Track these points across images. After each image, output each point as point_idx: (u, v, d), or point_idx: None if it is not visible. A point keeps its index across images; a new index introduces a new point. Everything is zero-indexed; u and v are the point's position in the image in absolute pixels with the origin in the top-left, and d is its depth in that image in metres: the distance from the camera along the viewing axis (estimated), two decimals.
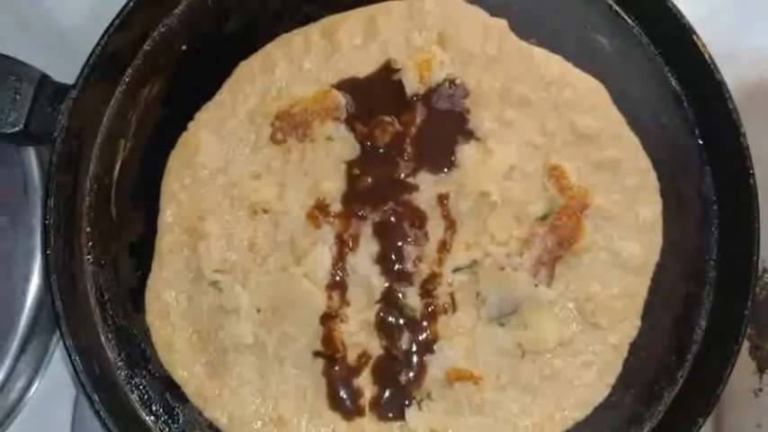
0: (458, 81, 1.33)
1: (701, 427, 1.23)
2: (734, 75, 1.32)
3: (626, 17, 1.36)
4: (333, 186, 1.30)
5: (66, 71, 1.30)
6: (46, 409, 1.40)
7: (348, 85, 1.33)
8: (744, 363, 1.39)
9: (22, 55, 1.29)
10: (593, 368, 1.28)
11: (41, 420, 1.40)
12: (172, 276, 1.29)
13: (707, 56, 1.30)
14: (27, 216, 1.36)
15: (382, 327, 1.28)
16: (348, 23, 1.34)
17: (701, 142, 1.34)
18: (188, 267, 1.29)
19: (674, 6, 1.31)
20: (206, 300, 1.28)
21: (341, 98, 1.32)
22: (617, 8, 1.37)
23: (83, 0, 1.47)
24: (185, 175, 1.31)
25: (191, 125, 1.33)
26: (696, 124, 1.34)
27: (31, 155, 1.40)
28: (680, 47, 1.32)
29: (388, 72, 1.33)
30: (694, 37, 1.30)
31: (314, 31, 1.35)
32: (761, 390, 1.38)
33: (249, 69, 1.34)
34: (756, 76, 1.44)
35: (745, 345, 1.40)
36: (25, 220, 1.36)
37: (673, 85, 1.35)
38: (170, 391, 1.29)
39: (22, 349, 1.35)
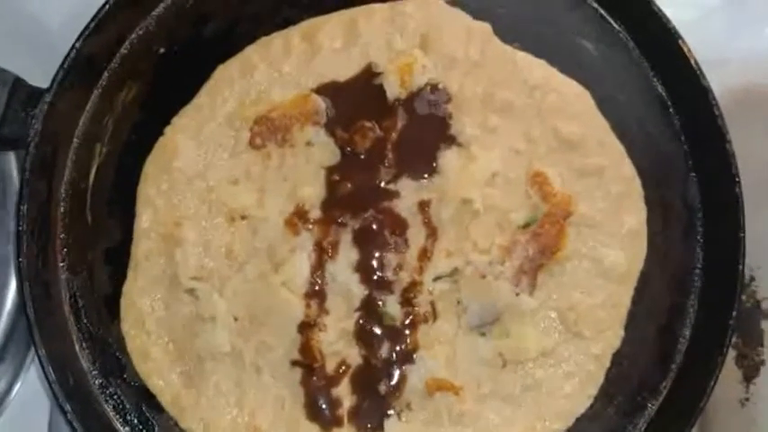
0: (440, 86, 1.31)
1: None
2: (720, 81, 1.30)
3: (612, 21, 1.35)
4: (312, 192, 1.28)
5: (44, 75, 1.27)
6: (25, 414, 1.38)
7: (328, 90, 1.31)
8: (730, 372, 1.37)
9: None
10: (575, 378, 1.26)
11: (20, 425, 1.38)
12: (148, 284, 1.27)
13: (693, 61, 1.28)
14: (4, 223, 1.33)
15: (361, 336, 1.26)
16: (329, 26, 1.32)
17: (686, 149, 1.32)
18: (164, 274, 1.27)
19: (661, 11, 1.29)
20: (182, 308, 1.26)
21: (321, 103, 1.30)
22: (603, 12, 1.35)
23: (61, 2, 1.44)
24: (162, 180, 1.29)
25: (168, 129, 1.31)
26: (682, 131, 1.32)
27: (10, 160, 1.38)
28: (666, 52, 1.30)
29: (368, 76, 1.31)
30: (680, 42, 1.28)
31: (294, 34, 1.32)
32: (747, 399, 1.37)
33: (228, 73, 1.31)
34: (743, 82, 1.43)
35: (732, 354, 1.38)
36: (2, 227, 1.33)
37: (659, 90, 1.33)
38: (145, 401, 1.27)
39: (1, 356, 1.33)
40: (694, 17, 1.39)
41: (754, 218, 1.27)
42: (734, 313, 1.23)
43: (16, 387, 1.39)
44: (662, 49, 1.30)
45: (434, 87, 1.30)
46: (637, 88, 1.33)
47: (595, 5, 1.35)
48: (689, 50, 1.28)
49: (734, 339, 1.38)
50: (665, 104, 1.33)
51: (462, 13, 1.33)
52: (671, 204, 1.31)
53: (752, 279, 1.40)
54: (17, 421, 1.38)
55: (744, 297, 1.39)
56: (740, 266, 1.24)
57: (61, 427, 1.32)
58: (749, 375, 1.38)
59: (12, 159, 1.38)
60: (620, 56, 1.34)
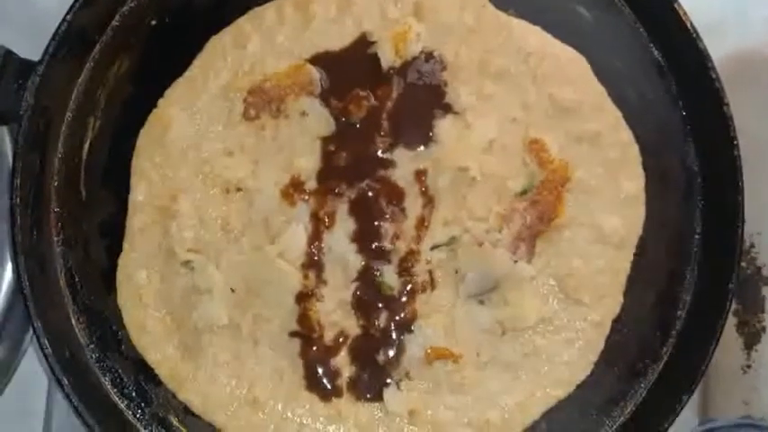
0: (435, 53, 1.29)
1: (685, 403, 1.21)
2: (718, 45, 1.29)
3: None
4: (308, 163, 1.27)
5: (35, 48, 1.26)
6: (24, 390, 1.37)
7: (322, 60, 1.29)
8: (731, 339, 1.37)
9: None
10: (575, 345, 1.26)
11: (19, 402, 1.38)
12: (143, 256, 1.27)
13: (689, 25, 1.26)
14: (1, 200, 1.33)
15: (359, 306, 1.26)
16: None
17: (684, 114, 1.31)
18: (160, 247, 1.27)
19: None
20: (179, 280, 1.26)
21: (315, 72, 1.29)
22: None
23: None
24: (156, 153, 1.28)
25: (161, 102, 1.29)
26: (679, 96, 1.31)
27: (4, 137, 1.36)
28: (662, 16, 1.28)
29: (363, 45, 1.30)
30: (676, 5, 1.27)
31: (287, 3, 1.31)
32: (749, 366, 1.36)
33: (220, 44, 1.30)
34: (741, 47, 1.42)
35: (732, 321, 1.37)
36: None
37: (655, 55, 1.32)
38: (143, 373, 1.26)
39: None
40: None
41: (753, 184, 1.26)
42: (734, 277, 1.23)
43: (14, 366, 1.37)
44: (657, 13, 1.29)
45: (430, 55, 1.29)
46: (633, 53, 1.32)
47: None
48: (685, 14, 1.27)
49: (734, 306, 1.37)
50: (662, 69, 1.32)
51: None
52: (669, 169, 1.30)
53: (752, 246, 1.39)
54: (16, 399, 1.37)
55: (744, 264, 1.38)
56: (739, 230, 1.23)
57: (59, 404, 1.32)
58: (750, 342, 1.37)
59: (5, 136, 1.36)
60: (615, 21, 1.32)
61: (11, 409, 1.37)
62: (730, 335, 1.37)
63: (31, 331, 1.36)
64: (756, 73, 1.43)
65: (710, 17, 1.35)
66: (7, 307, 1.32)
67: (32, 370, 1.36)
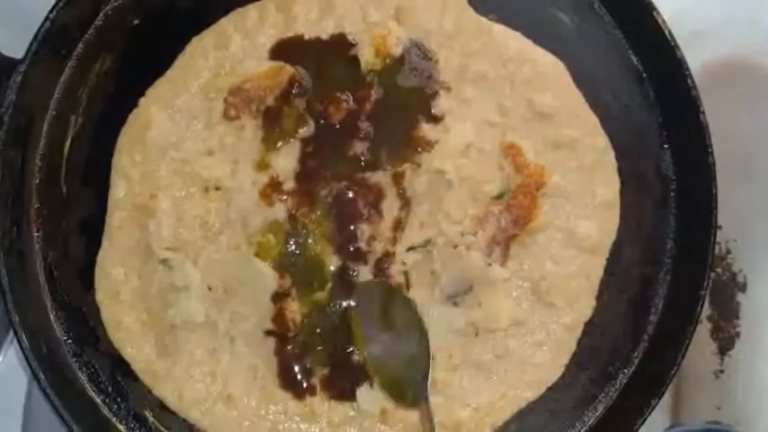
0: (433, 58, 1.30)
1: (653, 408, 1.22)
2: (694, 52, 1.30)
3: None
4: (286, 164, 1.29)
5: (18, 45, 1.27)
6: (2, 393, 1.38)
7: (302, 61, 1.30)
8: (704, 344, 1.39)
9: None
10: (546, 348, 1.27)
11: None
12: (122, 253, 1.28)
13: (667, 33, 1.27)
14: None
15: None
16: None
17: (661, 120, 1.32)
18: (138, 245, 1.28)
19: None
20: (156, 277, 1.27)
21: (295, 73, 1.30)
22: None
23: None
24: (136, 151, 1.29)
25: (142, 101, 1.30)
26: (656, 102, 1.32)
27: None
28: (640, 24, 1.29)
29: (343, 47, 1.31)
30: (655, 14, 1.28)
31: (269, 5, 1.32)
32: (721, 371, 1.38)
33: (202, 44, 1.31)
34: (723, 52, 1.42)
35: (707, 326, 1.39)
36: None
37: (633, 62, 1.33)
38: (120, 369, 1.27)
39: None
40: None
41: (730, 191, 1.27)
42: (705, 284, 1.23)
43: None
44: (637, 20, 1.30)
45: (425, 56, 1.30)
46: (611, 60, 1.33)
47: None
48: (663, 22, 1.27)
49: (709, 312, 1.39)
50: (640, 76, 1.32)
51: None
52: (644, 175, 1.31)
53: (728, 252, 1.41)
54: None
55: (719, 269, 1.40)
56: (712, 237, 1.24)
57: (38, 401, 1.33)
58: (724, 347, 1.39)
59: None
60: (594, 27, 1.33)
61: None
62: (704, 340, 1.39)
63: (10, 331, 1.38)
64: (738, 79, 1.44)
65: (690, 23, 1.36)
66: None
67: (12, 370, 1.36)
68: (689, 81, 1.26)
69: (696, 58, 1.30)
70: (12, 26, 1.34)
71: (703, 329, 1.39)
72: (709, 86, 1.29)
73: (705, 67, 1.40)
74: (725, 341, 1.40)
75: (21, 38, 1.27)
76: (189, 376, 1.25)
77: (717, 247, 1.30)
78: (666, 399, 1.30)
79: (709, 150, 1.25)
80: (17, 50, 1.27)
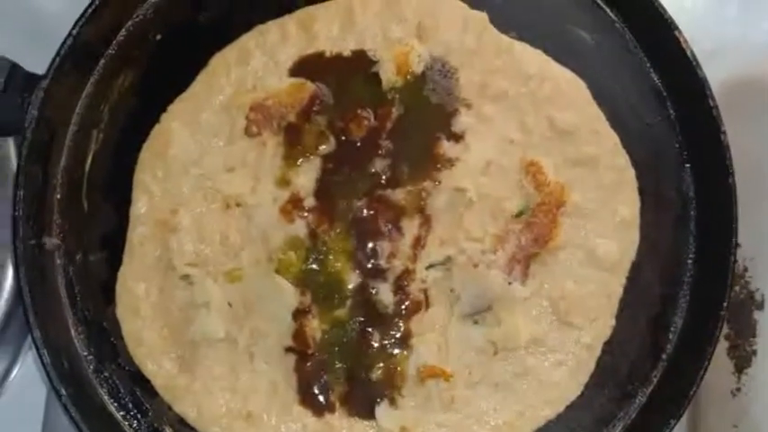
0: (456, 76, 1.30)
1: (673, 427, 1.22)
2: (717, 69, 1.30)
3: (608, 11, 1.34)
4: (307, 181, 1.29)
5: (41, 61, 1.27)
6: (22, 396, 1.40)
7: (324, 78, 1.31)
8: (722, 363, 1.38)
9: None
10: (565, 367, 1.27)
11: (18, 408, 1.40)
12: (143, 269, 1.28)
13: (689, 52, 1.27)
14: (4, 208, 1.33)
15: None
16: (325, 15, 1.32)
17: (681, 140, 1.32)
18: (159, 260, 1.28)
19: (658, 2, 1.29)
20: (177, 293, 1.27)
21: (316, 91, 1.30)
22: (599, 1, 1.34)
23: None
24: (158, 167, 1.30)
25: (164, 117, 1.31)
26: (677, 122, 1.32)
27: (9, 146, 1.38)
28: (662, 43, 1.30)
29: (363, 64, 1.31)
30: (676, 33, 1.28)
31: (290, 22, 1.33)
32: (738, 390, 1.38)
33: (224, 61, 1.32)
34: (740, 71, 1.42)
35: (724, 344, 1.39)
36: (2, 212, 1.33)
37: (654, 81, 1.33)
38: (139, 385, 1.28)
39: None
40: (690, 5, 1.38)
41: (747, 209, 1.27)
42: (725, 304, 1.24)
43: (14, 370, 1.40)
44: (658, 39, 1.30)
45: (447, 73, 1.30)
46: (632, 78, 1.33)
47: None
48: (685, 41, 1.28)
49: (726, 330, 1.39)
50: (661, 95, 1.33)
51: (459, 3, 1.33)
52: (664, 195, 1.31)
53: (745, 270, 1.41)
54: (15, 404, 1.40)
55: (737, 288, 1.39)
56: (732, 257, 1.25)
57: (57, 410, 1.33)
58: (741, 366, 1.39)
59: (10, 146, 1.38)
60: (616, 46, 1.33)
61: (9, 416, 1.39)
62: (721, 358, 1.38)
63: (29, 338, 1.37)
64: (755, 97, 1.44)
65: (710, 41, 1.36)
66: (8, 312, 1.34)
67: (31, 377, 1.38)
68: (710, 101, 1.26)
69: (714, 76, 1.30)
70: (35, 42, 1.34)
71: (720, 348, 1.38)
72: (726, 104, 1.29)
73: (723, 84, 1.40)
74: (742, 360, 1.39)
75: (43, 54, 1.28)
76: (209, 392, 1.26)
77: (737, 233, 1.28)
78: (684, 417, 1.29)
79: (730, 171, 1.25)
80: (40, 67, 1.28)
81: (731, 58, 1.42)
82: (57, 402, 1.28)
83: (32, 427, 1.37)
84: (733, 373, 1.38)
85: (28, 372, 1.40)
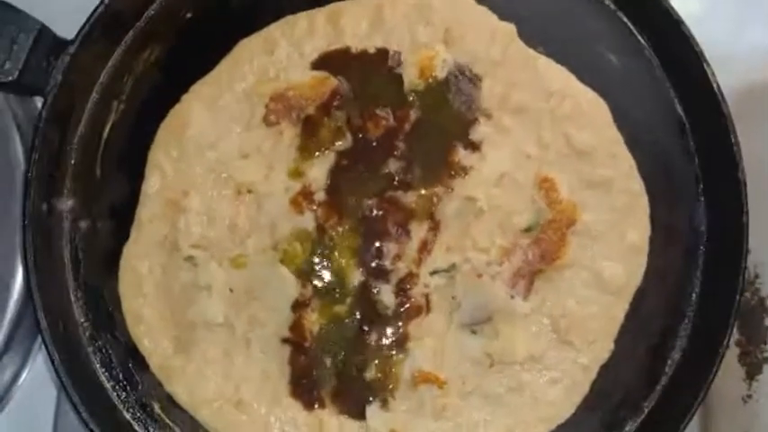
0: (479, 85, 1.29)
1: None
2: (726, 78, 1.27)
3: (639, 36, 1.34)
4: (320, 174, 1.29)
5: (71, 26, 1.28)
6: (31, 401, 1.40)
7: (338, 59, 1.30)
8: (733, 369, 1.37)
9: (24, 4, 1.27)
10: (560, 386, 1.27)
11: (27, 412, 1.40)
12: (148, 247, 1.28)
13: (715, 85, 1.27)
14: (11, 211, 1.33)
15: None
16: (354, 11, 1.32)
17: (698, 172, 1.32)
18: (166, 239, 1.28)
19: (689, 32, 1.28)
20: (180, 274, 1.27)
21: (338, 86, 1.30)
22: (630, 26, 1.34)
23: None
24: (173, 147, 1.30)
25: (184, 98, 1.31)
26: (696, 154, 1.32)
27: (17, 146, 1.38)
28: (689, 73, 1.29)
29: (387, 64, 1.31)
30: (705, 65, 1.27)
31: (319, 15, 1.33)
32: (749, 396, 1.36)
33: (249, 48, 1.32)
34: (751, 79, 1.40)
35: (735, 351, 1.37)
36: (9, 215, 1.33)
37: (677, 111, 1.33)
38: (133, 358, 1.28)
39: (7, 345, 1.34)
40: (701, 12, 1.36)
41: (759, 214, 1.25)
42: (725, 342, 1.23)
43: (23, 375, 1.40)
44: (686, 69, 1.29)
45: (472, 79, 1.30)
46: (655, 105, 1.33)
47: (624, 18, 1.34)
48: (712, 74, 1.27)
49: (737, 336, 1.37)
50: (682, 125, 1.32)
51: (489, 12, 1.33)
52: (676, 225, 1.31)
53: (756, 276, 1.38)
54: (24, 407, 1.40)
55: (748, 294, 1.37)
56: (737, 298, 1.24)
57: (68, 414, 1.32)
58: (752, 372, 1.37)
59: (18, 149, 1.37)
60: (642, 71, 1.33)
61: (19, 419, 1.39)
62: (733, 365, 1.36)
63: (38, 343, 1.39)
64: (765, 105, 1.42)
65: (725, 49, 1.34)
66: (17, 317, 1.34)
67: (41, 380, 1.38)
68: (732, 137, 1.26)
69: (726, 83, 1.28)
70: (66, 5, 1.34)
71: (732, 354, 1.36)
72: (737, 110, 1.27)
73: (735, 91, 1.36)
74: (753, 366, 1.37)
75: (73, 18, 1.28)
76: (202, 375, 1.26)
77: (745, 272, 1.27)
78: (695, 424, 1.28)
79: (745, 210, 1.24)
80: (68, 30, 1.28)
81: (744, 65, 1.41)
82: (67, 405, 1.28)
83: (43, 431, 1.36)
84: (744, 380, 1.36)
85: (38, 375, 1.40)
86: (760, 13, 1.48)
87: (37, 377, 1.39)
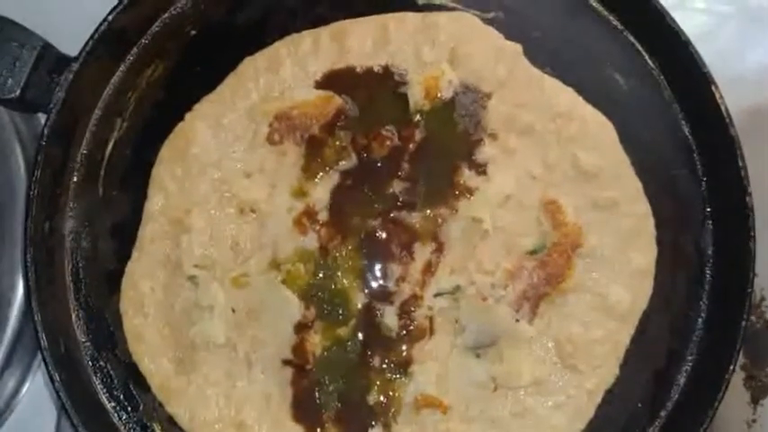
0: (485, 105, 1.28)
1: None
2: (734, 97, 1.26)
3: (647, 58, 1.33)
4: (324, 194, 1.28)
5: (74, 42, 1.27)
6: (32, 416, 1.39)
7: (343, 79, 1.29)
8: (738, 393, 1.36)
9: (27, 21, 1.27)
10: (564, 411, 1.25)
11: (28, 427, 1.39)
12: (151, 266, 1.27)
13: (723, 109, 1.26)
14: (12, 226, 1.34)
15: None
16: (360, 29, 1.31)
17: (705, 196, 1.30)
18: (168, 259, 1.27)
19: (697, 53, 1.27)
20: (182, 294, 1.26)
21: (343, 105, 1.29)
22: (639, 47, 1.33)
23: None
24: (177, 165, 1.29)
25: (188, 116, 1.30)
26: (703, 177, 1.30)
27: (19, 162, 1.38)
28: (698, 96, 1.28)
29: (392, 83, 1.30)
30: (713, 88, 1.26)
31: (324, 33, 1.32)
32: (754, 421, 1.35)
33: (254, 66, 1.31)
34: (756, 98, 1.39)
35: (740, 375, 1.36)
36: (10, 231, 1.34)
37: (685, 134, 1.31)
38: (134, 378, 1.27)
39: (8, 360, 1.34)
40: (708, 33, 1.36)
41: (764, 237, 1.24)
42: (732, 368, 1.21)
43: (24, 389, 1.39)
44: (694, 92, 1.28)
45: (475, 101, 1.29)
46: (663, 128, 1.31)
47: (631, 38, 1.33)
48: (721, 97, 1.26)
49: (742, 360, 1.36)
50: (690, 148, 1.31)
51: (495, 32, 1.32)
52: (682, 249, 1.29)
53: (762, 299, 1.38)
54: (25, 422, 1.39)
55: (753, 318, 1.36)
56: (743, 323, 1.22)
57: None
58: (757, 396, 1.36)
59: (20, 163, 1.38)
60: (650, 93, 1.32)
61: None
62: (738, 389, 1.35)
63: (38, 357, 1.37)
64: None
65: (733, 68, 1.34)
66: (17, 332, 1.34)
67: (41, 396, 1.37)
68: (740, 161, 1.24)
69: (733, 103, 1.27)
70: (69, 23, 1.34)
71: (737, 378, 1.35)
72: (745, 131, 1.26)
73: (742, 111, 1.35)
74: (758, 390, 1.36)
75: (77, 35, 1.27)
76: (203, 397, 1.24)
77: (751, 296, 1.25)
78: None
79: (752, 234, 1.23)
80: (71, 47, 1.27)
81: (753, 85, 1.40)
82: (67, 423, 1.26)
83: None
84: (749, 404, 1.36)
85: (38, 389, 1.39)
86: (767, 34, 1.47)
87: (37, 391, 1.38)
